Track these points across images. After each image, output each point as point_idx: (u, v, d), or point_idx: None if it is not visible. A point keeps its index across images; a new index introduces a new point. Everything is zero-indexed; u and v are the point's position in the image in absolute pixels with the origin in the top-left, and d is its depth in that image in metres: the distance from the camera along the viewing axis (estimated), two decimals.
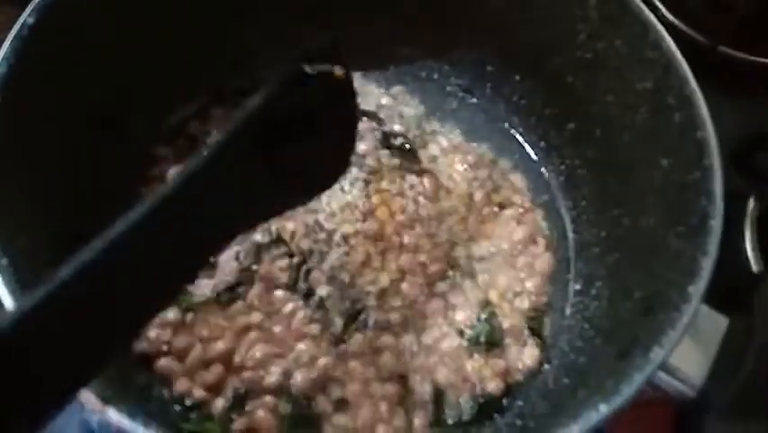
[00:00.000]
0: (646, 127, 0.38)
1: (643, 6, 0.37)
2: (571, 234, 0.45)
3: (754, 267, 0.38)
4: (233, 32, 0.45)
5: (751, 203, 0.54)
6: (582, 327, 0.40)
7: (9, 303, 0.26)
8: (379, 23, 0.47)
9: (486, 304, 0.41)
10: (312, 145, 0.30)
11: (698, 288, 0.28)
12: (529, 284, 0.42)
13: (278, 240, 0.41)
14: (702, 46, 0.61)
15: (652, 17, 0.36)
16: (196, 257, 0.26)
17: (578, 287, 0.43)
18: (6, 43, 0.30)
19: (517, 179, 0.47)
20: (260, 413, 0.36)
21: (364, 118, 0.46)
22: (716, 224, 0.30)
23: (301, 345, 0.38)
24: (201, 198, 0.25)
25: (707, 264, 0.29)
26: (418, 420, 0.37)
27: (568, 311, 0.42)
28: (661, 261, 0.34)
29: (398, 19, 0.47)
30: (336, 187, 0.41)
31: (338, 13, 0.46)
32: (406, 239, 0.42)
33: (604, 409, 0.25)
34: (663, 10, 0.63)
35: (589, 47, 0.41)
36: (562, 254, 0.44)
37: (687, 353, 0.29)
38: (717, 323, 0.31)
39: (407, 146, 0.46)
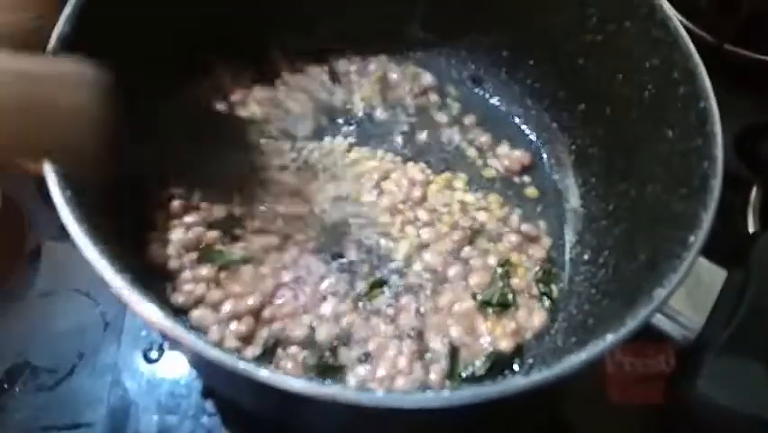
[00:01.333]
0: (653, 102, 0.40)
1: None
2: (581, 210, 0.48)
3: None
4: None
5: (754, 190, 0.56)
6: (590, 292, 0.42)
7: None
8: (393, 8, 0.51)
9: (504, 263, 0.43)
10: None
11: (698, 237, 0.30)
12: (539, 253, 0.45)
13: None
14: (708, 44, 0.64)
15: None
16: None
17: (586, 257, 0.45)
18: None
19: (527, 159, 0.50)
20: (288, 364, 0.39)
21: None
22: (716, 183, 0.32)
23: (327, 304, 0.41)
24: None
25: (707, 217, 0.31)
26: (434, 374, 0.39)
27: (576, 279, 0.44)
28: (665, 223, 0.36)
29: (410, 5, 0.51)
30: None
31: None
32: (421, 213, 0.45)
33: (610, 337, 0.27)
34: (670, 8, 0.66)
35: (599, 29, 0.43)
36: (572, 228, 0.47)
37: (688, 300, 0.32)
38: (716, 275, 0.33)
39: None
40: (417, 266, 0.43)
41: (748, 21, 0.63)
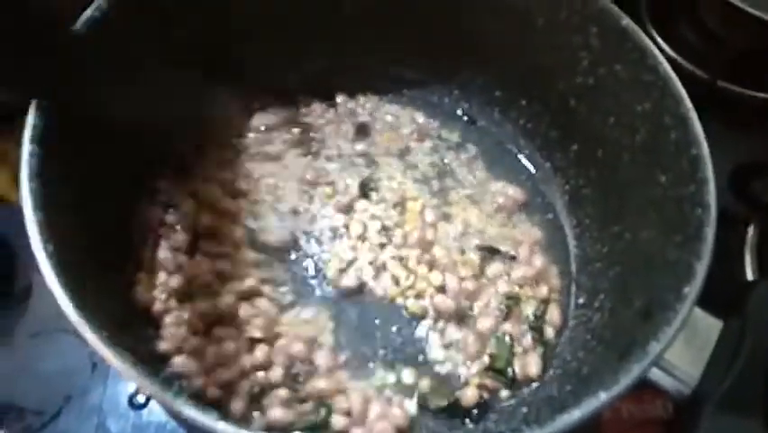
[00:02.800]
0: (645, 146, 0.40)
1: (640, 32, 0.39)
2: (574, 251, 0.47)
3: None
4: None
5: (751, 229, 0.56)
6: (585, 338, 0.42)
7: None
8: (383, 47, 0.51)
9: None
10: None
11: (692, 289, 0.30)
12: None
13: None
14: (702, 81, 0.65)
15: (649, 42, 0.39)
16: None
17: (581, 300, 0.44)
18: None
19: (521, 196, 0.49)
20: (275, 410, 0.38)
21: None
22: (710, 231, 0.32)
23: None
24: None
25: (701, 268, 0.30)
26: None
27: (571, 323, 0.44)
28: (659, 271, 0.35)
29: (402, 44, 0.51)
30: None
31: (339, 39, 0.50)
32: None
33: (603, 396, 0.27)
34: (664, 45, 0.66)
35: (590, 72, 0.43)
36: (566, 270, 0.46)
37: (683, 352, 0.31)
38: (712, 326, 0.32)
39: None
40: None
41: (741, 57, 0.64)
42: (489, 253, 0.45)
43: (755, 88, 0.64)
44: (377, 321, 0.43)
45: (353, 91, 0.53)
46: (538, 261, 0.46)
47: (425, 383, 0.40)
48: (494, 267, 0.45)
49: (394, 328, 0.43)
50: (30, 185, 0.30)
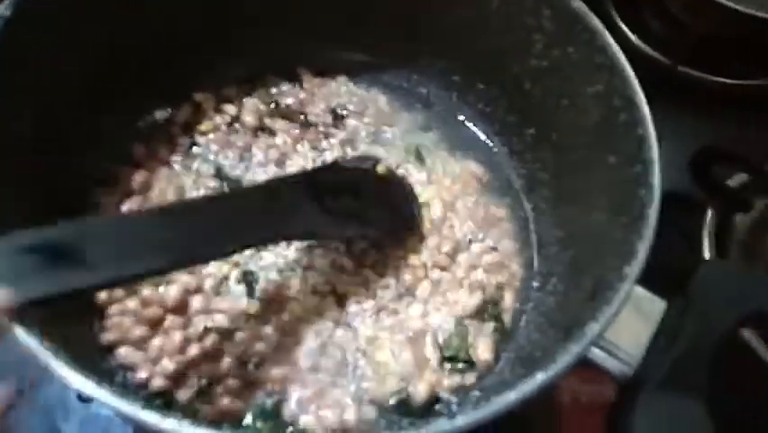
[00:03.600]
0: (597, 129, 0.40)
1: (591, 14, 0.39)
2: (533, 236, 0.47)
3: None
4: (203, 37, 0.47)
5: (709, 213, 0.56)
6: (539, 322, 0.42)
7: None
8: (342, 32, 0.50)
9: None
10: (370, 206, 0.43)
11: (633, 268, 0.30)
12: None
13: None
14: (663, 66, 0.65)
15: (599, 24, 0.39)
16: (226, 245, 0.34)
17: (536, 284, 0.44)
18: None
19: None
20: (225, 400, 0.37)
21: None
22: (652, 212, 0.31)
23: None
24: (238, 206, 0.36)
25: (642, 247, 0.30)
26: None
27: (527, 307, 0.43)
28: (607, 252, 0.35)
29: (362, 28, 0.50)
30: None
31: (300, 22, 0.49)
32: None
33: (540, 376, 0.26)
34: (627, 32, 0.66)
35: (544, 55, 0.43)
36: (525, 254, 0.46)
37: (626, 332, 0.31)
38: (655, 306, 0.32)
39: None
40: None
41: (702, 42, 0.64)
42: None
43: (716, 73, 0.65)
44: None
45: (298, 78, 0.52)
46: (507, 245, 0.45)
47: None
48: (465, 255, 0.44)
49: None
50: None
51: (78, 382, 0.25)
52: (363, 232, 0.42)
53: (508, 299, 0.44)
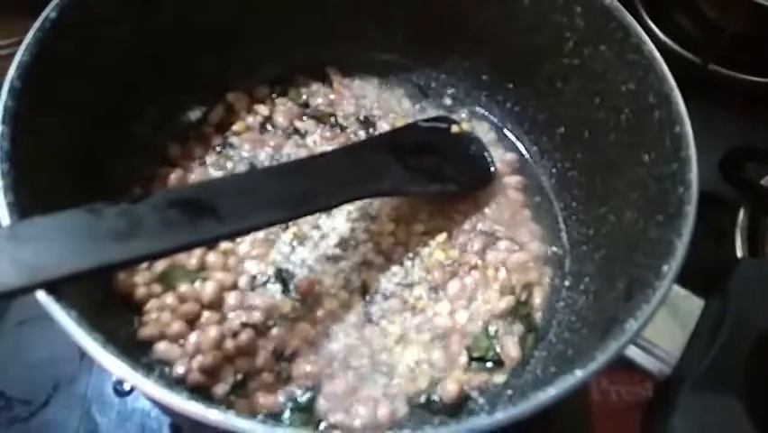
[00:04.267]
0: (630, 127, 0.39)
1: (624, 11, 0.39)
2: (563, 235, 0.47)
3: None
4: (235, 38, 0.48)
5: (741, 212, 0.56)
6: (570, 320, 0.41)
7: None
8: (371, 33, 0.51)
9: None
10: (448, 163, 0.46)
11: (672, 266, 0.29)
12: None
13: None
14: (693, 65, 0.64)
15: (632, 21, 0.38)
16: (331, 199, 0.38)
17: (567, 284, 0.44)
18: (30, 34, 0.33)
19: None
20: (260, 395, 0.37)
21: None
22: (690, 209, 0.31)
23: None
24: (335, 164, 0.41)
25: (681, 245, 0.30)
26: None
27: (558, 306, 0.43)
28: (641, 251, 0.35)
29: (390, 29, 0.51)
30: None
31: (329, 24, 0.50)
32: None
33: (579, 373, 0.26)
34: (656, 30, 0.66)
35: (576, 53, 0.43)
36: (555, 254, 0.46)
37: (664, 331, 0.31)
38: (693, 305, 0.32)
39: None
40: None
41: (734, 41, 0.63)
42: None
43: (747, 72, 0.64)
44: None
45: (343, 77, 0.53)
46: (535, 246, 0.45)
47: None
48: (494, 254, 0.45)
49: None
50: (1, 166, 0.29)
51: (126, 373, 0.25)
52: (444, 187, 0.45)
53: (538, 299, 0.44)
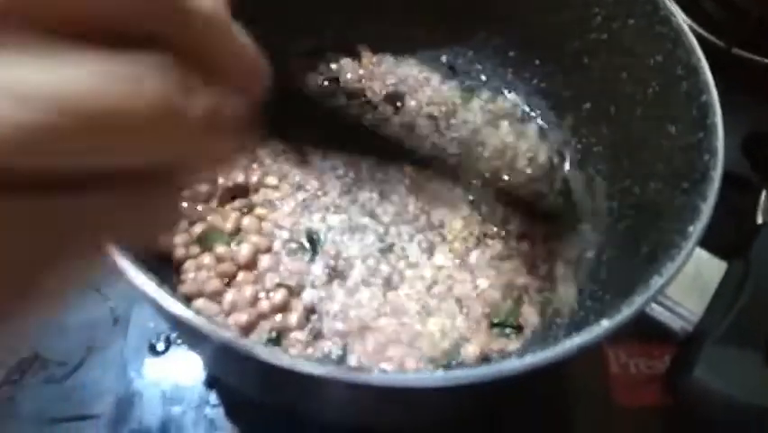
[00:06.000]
0: (657, 99, 0.40)
1: None
2: (587, 208, 0.48)
3: None
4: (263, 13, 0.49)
5: (763, 195, 0.56)
6: (593, 289, 0.42)
7: None
8: (399, 10, 0.52)
9: None
10: None
11: (696, 228, 0.30)
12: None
13: None
14: (717, 48, 0.64)
15: None
16: None
17: (589, 255, 0.45)
18: None
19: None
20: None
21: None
22: (716, 174, 0.32)
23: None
24: None
25: (706, 208, 0.31)
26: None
27: (580, 276, 0.44)
28: (667, 218, 0.36)
29: (419, 6, 0.51)
30: None
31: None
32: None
33: (606, 323, 0.27)
34: (679, 12, 0.66)
35: (604, 28, 0.44)
36: (578, 226, 0.47)
37: (687, 291, 0.32)
38: (716, 267, 0.33)
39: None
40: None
41: (758, 24, 0.63)
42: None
43: None
44: None
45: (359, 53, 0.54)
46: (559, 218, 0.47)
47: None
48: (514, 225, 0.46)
49: None
50: None
51: (180, 310, 0.26)
52: None
53: (560, 269, 0.45)
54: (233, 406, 0.43)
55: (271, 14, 0.49)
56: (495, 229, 0.46)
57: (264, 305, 0.39)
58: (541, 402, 0.44)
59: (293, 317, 0.39)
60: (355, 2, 0.51)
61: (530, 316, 0.42)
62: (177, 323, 0.27)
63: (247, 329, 0.39)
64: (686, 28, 0.37)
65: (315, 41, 0.53)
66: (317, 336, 0.40)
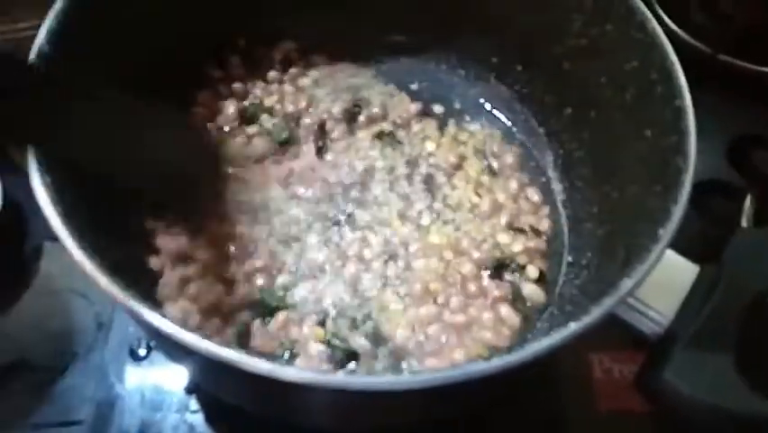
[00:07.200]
0: (634, 104, 0.40)
1: None
2: (564, 213, 0.48)
3: None
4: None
5: (747, 200, 0.56)
6: (572, 294, 0.42)
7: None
8: (381, 14, 0.52)
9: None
10: None
11: (667, 230, 0.30)
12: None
13: None
14: (703, 55, 0.65)
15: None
16: None
17: (569, 259, 0.45)
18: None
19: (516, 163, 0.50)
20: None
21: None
22: (687, 177, 0.32)
23: None
24: None
25: (676, 210, 0.31)
26: None
27: (560, 281, 0.44)
28: (642, 222, 0.36)
29: (400, 10, 0.51)
30: None
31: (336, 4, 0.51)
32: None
33: (573, 326, 0.27)
34: (667, 20, 0.66)
35: (583, 34, 0.44)
36: (557, 231, 0.47)
37: (659, 295, 0.32)
38: (687, 270, 0.33)
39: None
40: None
41: (743, 31, 0.64)
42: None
43: (757, 62, 0.64)
44: None
45: (349, 60, 0.54)
46: (545, 224, 0.47)
47: None
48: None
49: None
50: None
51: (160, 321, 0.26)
52: None
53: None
54: (214, 412, 0.43)
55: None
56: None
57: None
58: (526, 408, 0.44)
59: None
60: (334, 6, 0.51)
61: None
62: (158, 336, 0.27)
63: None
64: (660, 32, 0.38)
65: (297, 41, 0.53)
66: None
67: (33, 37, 0.41)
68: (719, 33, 0.65)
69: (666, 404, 0.29)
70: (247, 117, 0.49)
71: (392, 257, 0.44)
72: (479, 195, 0.47)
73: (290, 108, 0.50)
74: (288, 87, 0.51)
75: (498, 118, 0.53)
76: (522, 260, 0.45)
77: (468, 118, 0.53)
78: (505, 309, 0.42)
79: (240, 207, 0.45)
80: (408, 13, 0.52)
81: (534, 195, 0.48)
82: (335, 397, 0.26)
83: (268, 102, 0.50)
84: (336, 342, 0.39)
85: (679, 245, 0.32)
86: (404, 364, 0.40)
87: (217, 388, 0.37)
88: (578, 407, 0.47)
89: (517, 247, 0.45)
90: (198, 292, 0.39)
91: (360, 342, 0.39)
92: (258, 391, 0.30)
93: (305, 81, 0.52)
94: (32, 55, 0.32)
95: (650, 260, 0.29)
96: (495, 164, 0.50)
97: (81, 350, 0.48)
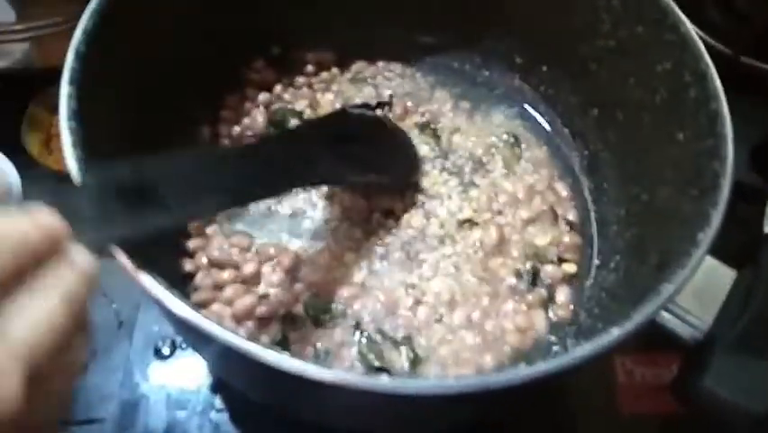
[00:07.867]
0: (665, 106, 0.40)
1: None
2: (593, 215, 0.47)
3: None
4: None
5: None
6: (600, 297, 0.42)
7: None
8: (407, 15, 0.52)
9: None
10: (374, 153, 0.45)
11: (707, 235, 0.30)
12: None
13: None
14: (724, 56, 0.64)
15: (670, 1, 0.39)
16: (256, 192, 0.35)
17: (597, 262, 0.45)
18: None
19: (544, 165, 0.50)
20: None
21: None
22: (726, 181, 0.32)
23: None
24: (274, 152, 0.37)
25: (716, 215, 0.31)
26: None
27: (588, 283, 0.44)
28: (675, 226, 0.36)
29: (426, 11, 0.51)
30: None
31: (366, 6, 0.51)
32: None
33: (616, 331, 0.27)
34: (687, 22, 0.66)
35: (612, 35, 0.44)
36: (585, 234, 0.47)
37: (697, 300, 0.32)
38: (726, 275, 0.33)
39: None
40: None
41: (765, 33, 0.63)
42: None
43: None
44: None
45: (374, 59, 0.54)
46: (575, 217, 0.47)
47: None
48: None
49: None
50: (69, 124, 0.30)
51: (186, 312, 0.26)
52: (366, 178, 0.44)
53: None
54: (238, 410, 0.43)
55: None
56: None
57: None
58: (547, 411, 0.44)
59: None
60: (358, 6, 0.51)
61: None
62: (182, 325, 0.27)
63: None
64: (695, 35, 0.37)
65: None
66: None
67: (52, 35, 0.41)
68: (739, 34, 0.64)
69: (706, 410, 0.29)
70: (276, 121, 0.49)
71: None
72: (506, 188, 0.48)
73: (320, 112, 0.49)
74: (317, 91, 0.51)
75: (523, 118, 0.52)
76: (555, 255, 0.45)
77: (494, 116, 0.52)
78: (535, 313, 0.41)
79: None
80: (437, 13, 0.52)
81: (563, 190, 0.48)
82: (380, 401, 0.26)
83: (298, 106, 0.50)
84: (371, 356, 0.39)
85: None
86: (432, 368, 0.39)
87: (244, 384, 0.37)
88: (600, 410, 0.47)
89: (550, 241, 0.45)
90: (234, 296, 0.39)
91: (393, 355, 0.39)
92: (294, 390, 0.30)
93: (334, 86, 0.52)
94: (69, 56, 0.32)
95: (691, 265, 0.29)
96: (521, 163, 0.49)
97: (101, 348, 0.48)
